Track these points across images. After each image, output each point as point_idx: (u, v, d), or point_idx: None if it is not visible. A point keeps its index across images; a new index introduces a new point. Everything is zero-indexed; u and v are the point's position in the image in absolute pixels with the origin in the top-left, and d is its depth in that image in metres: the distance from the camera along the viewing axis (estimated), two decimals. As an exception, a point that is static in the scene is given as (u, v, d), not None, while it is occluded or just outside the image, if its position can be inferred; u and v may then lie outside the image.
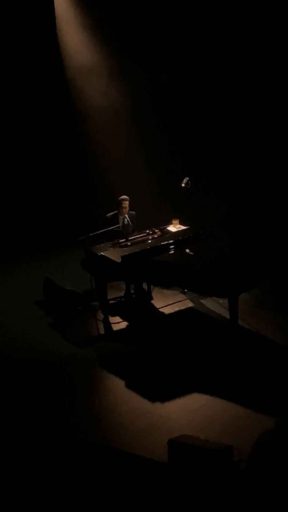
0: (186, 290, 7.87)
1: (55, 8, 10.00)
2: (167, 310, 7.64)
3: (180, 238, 7.33)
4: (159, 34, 9.45)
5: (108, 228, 7.63)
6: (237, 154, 9.44)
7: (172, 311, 7.60)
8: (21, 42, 9.99)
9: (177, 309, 7.65)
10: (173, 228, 7.72)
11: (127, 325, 7.37)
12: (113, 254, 6.99)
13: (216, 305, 7.49)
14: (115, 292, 7.90)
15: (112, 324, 7.33)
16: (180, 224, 7.77)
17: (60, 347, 6.89)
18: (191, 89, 9.62)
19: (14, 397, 5.85)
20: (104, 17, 9.79)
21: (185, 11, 9.21)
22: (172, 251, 7.11)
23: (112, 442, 5.00)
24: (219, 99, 9.44)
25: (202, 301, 7.69)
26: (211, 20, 9.02)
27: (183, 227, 7.71)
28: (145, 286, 7.84)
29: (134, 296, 7.81)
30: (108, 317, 7.37)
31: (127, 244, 7.28)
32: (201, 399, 5.61)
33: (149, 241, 7.29)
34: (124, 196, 7.78)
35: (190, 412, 5.42)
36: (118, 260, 6.82)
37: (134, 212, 7.86)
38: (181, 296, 7.92)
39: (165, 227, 7.72)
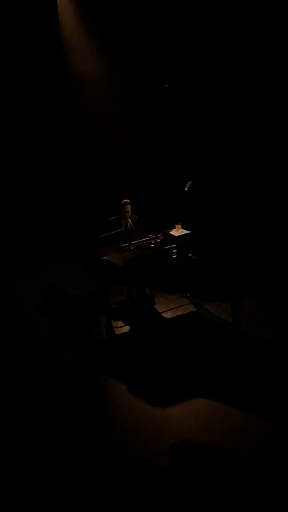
0: (188, 295, 7.87)
1: (59, 17, 10.07)
2: (169, 315, 7.64)
3: (183, 242, 7.33)
4: (162, 39, 9.49)
5: (111, 232, 7.64)
6: (240, 158, 9.45)
7: (175, 316, 7.60)
8: (26, 51, 10.05)
9: (179, 313, 7.65)
10: (176, 232, 7.72)
11: (130, 330, 7.37)
12: (116, 258, 6.99)
13: (218, 310, 7.48)
14: (118, 296, 7.90)
15: (114, 329, 7.33)
16: (183, 228, 7.77)
17: (63, 351, 6.89)
18: (194, 93, 9.65)
19: (16, 402, 5.85)
20: (108, 24, 9.84)
21: (188, 16, 9.25)
22: (175, 256, 7.12)
23: (115, 446, 5.00)
24: (222, 104, 9.46)
25: (205, 305, 7.69)
26: (213, 25, 9.06)
27: (186, 232, 7.72)
28: (147, 290, 7.85)
29: (136, 300, 7.81)
30: (111, 322, 7.36)
31: (129, 248, 7.28)
32: (204, 403, 5.59)
33: (152, 245, 7.29)
34: (126, 200, 7.79)
35: (193, 417, 5.41)
36: (121, 264, 6.82)
37: (136, 216, 7.87)
38: (184, 301, 7.91)
39: (168, 232, 7.72)
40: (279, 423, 5.08)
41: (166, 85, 9.66)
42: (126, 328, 7.39)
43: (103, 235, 7.62)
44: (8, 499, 4.33)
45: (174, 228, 7.77)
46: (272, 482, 3.94)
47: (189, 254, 7.07)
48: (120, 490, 4.30)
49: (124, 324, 7.46)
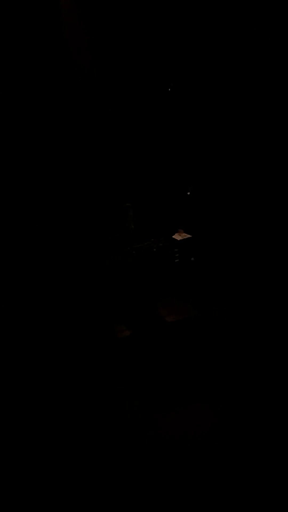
0: (191, 298, 7.86)
1: (62, 18, 10.09)
2: (172, 319, 7.63)
3: (185, 246, 7.34)
4: (166, 42, 9.52)
5: (113, 236, 7.65)
6: (242, 162, 9.45)
7: (178, 319, 7.59)
8: (26, 47, 10.05)
9: (182, 317, 7.64)
10: (178, 236, 7.72)
11: (131, 333, 7.37)
12: (118, 262, 7.00)
13: (222, 312, 7.47)
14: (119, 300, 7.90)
15: (116, 333, 7.33)
16: (185, 232, 7.78)
17: (65, 353, 6.89)
18: (197, 98, 9.67)
19: (16, 404, 5.85)
20: (111, 26, 9.87)
21: (192, 17, 9.27)
22: (177, 260, 7.13)
23: (114, 446, 4.99)
24: (225, 108, 9.47)
25: (207, 309, 7.67)
26: (217, 27, 9.08)
27: (188, 236, 7.72)
28: (150, 294, 7.85)
29: (138, 304, 7.81)
30: (113, 325, 7.37)
31: (131, 252, 7.29)
32: (205, 406, 5.59)
33: (154, 250, 7.30)
34: (128, 204, 7.81)
35: (194, 418, 5.40)
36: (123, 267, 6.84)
37: (139, 219, 7.88)
38: (187, 304, 7.90)
39: (170, 236, 7.73)
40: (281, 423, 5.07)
41: (169, 89, 9.69)
42: (128, 332, 7.39)
43: (116, 236, 7.62)
44: (8, 495, 4.33)
45: (177, 232, 7.78)
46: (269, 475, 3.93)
47: (192, 258, 7.08)
48: (121, 488, 4.29)
49: (125, 328, 7.46)
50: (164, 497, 4.24)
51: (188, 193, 7.85)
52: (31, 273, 8.85)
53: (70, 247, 10.13)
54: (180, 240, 7.59)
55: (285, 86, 8.86)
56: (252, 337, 6.89)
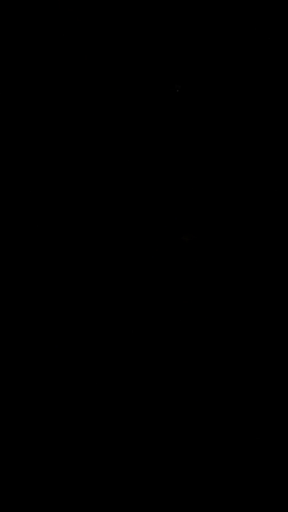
0: (198, 298, 7.84)
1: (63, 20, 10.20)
2: (179, 321, 7.62)
3: (192, 248, 7.32)
4: (172, 43, 9.54)
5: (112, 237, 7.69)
6: (245, 164, 9.41)
7: (183, 322, 7.58)
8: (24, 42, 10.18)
9: (188, 319, 7.62)
10: (186, 237, 7.72)
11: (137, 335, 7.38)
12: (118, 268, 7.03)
13: (228, 314, 7.43)
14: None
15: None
16: (192, 233, 7.76)
17: (68, 352, 6.92)
18: (206, 100, 9.66)
19: (16, 405, 5.89)
20: (114, 23, 9.95)
21: (203, 16, 9.28)
22: (184, 261, 7.12)
23: (114, 444, 5.00)
24: (234, 109, 9.45)
25: (214, 310, 7.65)
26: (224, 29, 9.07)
27: (195, 237, 7.70)
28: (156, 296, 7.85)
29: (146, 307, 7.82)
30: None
31: (134, 256, 7.31)
32: (207, 403, 5.56)
33: (158, 251, 7.31)
34: (130, 204, 7.83)
35: (197, 418, 5.38)
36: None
37: (139, 219, 7.90)
38: (193, 306, 7.89)
39: (178, 237, 7.72)
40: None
41: (177, 91, 9.71)
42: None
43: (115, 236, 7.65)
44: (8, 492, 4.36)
45: (184, 234, 7.77)
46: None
47: (198, 260, 7.07)
48: (120, 485, 4.30)
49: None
50: (163, 497, 4.22)
51: (195, 195, 7.83)
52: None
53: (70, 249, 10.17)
54: (187, 241, 7.58)
55: None
56: (259, 342, 6.84)
